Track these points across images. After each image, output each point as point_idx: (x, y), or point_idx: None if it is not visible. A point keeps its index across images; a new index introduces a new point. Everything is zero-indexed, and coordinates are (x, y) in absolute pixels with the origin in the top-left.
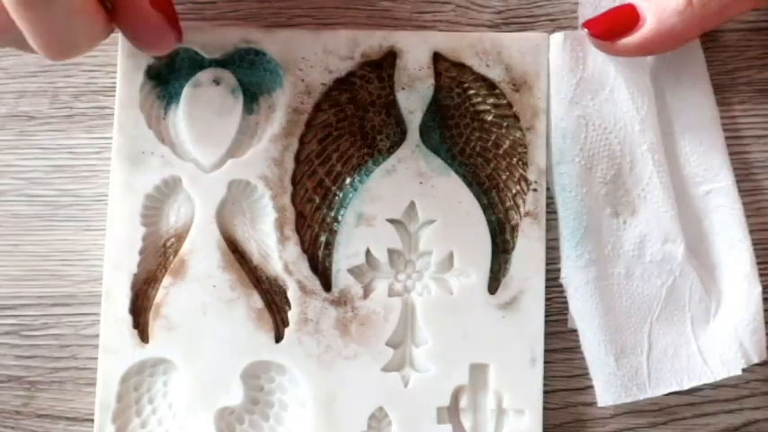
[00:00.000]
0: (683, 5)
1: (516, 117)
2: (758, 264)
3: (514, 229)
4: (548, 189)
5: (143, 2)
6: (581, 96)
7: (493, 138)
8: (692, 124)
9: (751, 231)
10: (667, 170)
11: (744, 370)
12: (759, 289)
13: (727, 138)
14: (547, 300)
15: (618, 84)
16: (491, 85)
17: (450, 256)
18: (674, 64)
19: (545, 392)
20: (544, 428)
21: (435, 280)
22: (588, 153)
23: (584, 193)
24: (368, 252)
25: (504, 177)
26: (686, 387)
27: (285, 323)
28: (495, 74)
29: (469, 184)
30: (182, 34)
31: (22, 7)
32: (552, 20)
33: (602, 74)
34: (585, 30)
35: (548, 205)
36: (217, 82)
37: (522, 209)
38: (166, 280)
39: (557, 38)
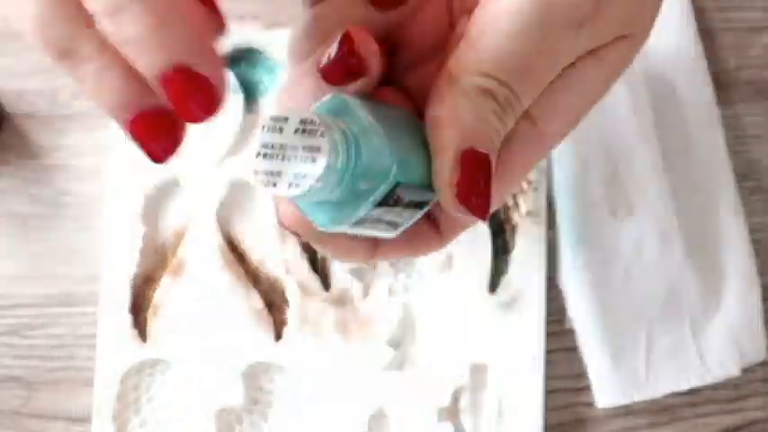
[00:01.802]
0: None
1: None
2: (757, 264)
3: (514, 229)
4: (548, 188)
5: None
6: None
7: None
8: (692, 124)
9: (751, 231)
10: (664, 170)
11: (743, 370)
12: (758, 289)
13: (727, 137)
14: (547, 300)
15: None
16: None
17: (450, 255)
18: (673, 64)
19: (545, 392)
20: (544, 428)
21: (435, 280)
22: (584, 154)
23: (580, 193)
24: None
25: None
26: (684, 388)
27: (285, 323)
28: None
29: None
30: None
31: None
32: None
33: None
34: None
35: (548, 205)
36: None
37: (522, 208)
38: (165, 280)
39: None
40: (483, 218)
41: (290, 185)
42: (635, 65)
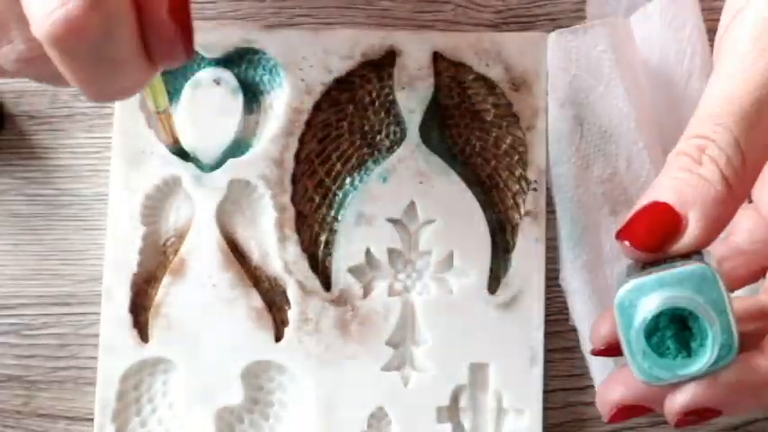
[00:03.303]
0: (723, 188)
1: (516, 116)
2: None
3: (514, 228)
4: (548, 188)
5: (161, 11)
6: (575, 95)
7: (493, 137)
8: None
9: None
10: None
11: None
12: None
13: None
14: (547, 300)
15: (612, 79)
16: (491, 85)
17: (450, 255)
18: (677, 62)
19: (545, 392)
20: (544, 428)
21: (435, 280)
22: (584, 153)
23: (580, 193)
24: (368, 252)
25: (503, 177)
26: None
27: (285, 323)
28: (494, 73)
29: (469, 184)
30: (192, 52)
31: (67, 59)
32: (552, 19)
33: (596, 69)
34: (623, 242)
35: (548, 205)
36: (217, 82)
37: (521, 208)
38: (166, 279)
39: (552, 37)
40: (635, 245)
41: None
42: (628, 57)
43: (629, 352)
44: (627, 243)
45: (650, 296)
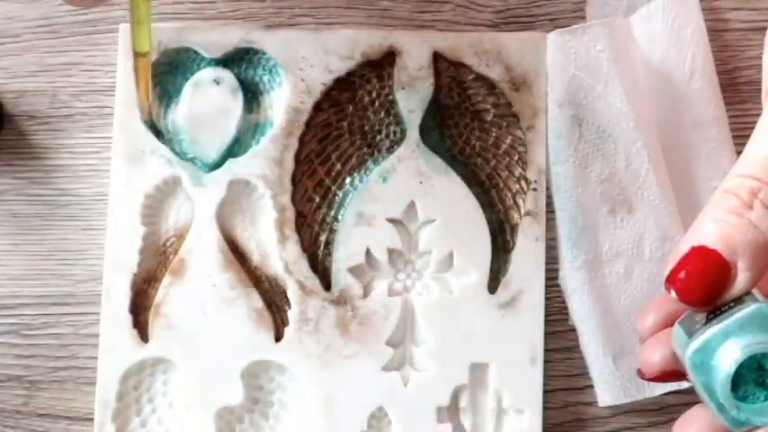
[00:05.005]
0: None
1: (516, 116)
2: None
3: (514, 228)
4: (547, 188)
5: None
6: (574, 94)
7: (493, 137)
8: (701, 120)
9: None
10: (664, 166)
11: None
12: None
13: None
14: (547, 299)
15: (611, 78)
16: (491, 85)
17: (450, 255)
18: (681, 58)
19: (545, 392)
20: (544, 428)
21: (435, 279)
22: (582, 153)
23: (579, 193)
24: (368, 251)
25: (503, 177)
26: (685, 386)
27: (285, 323)
28: (494, 73)
29: (469, 184)
30: None
31: None
32: (552, 19)
33: (595, 69)
34: (673, 293)
35: (547, 204)
36: (217, 82)
37: (521, 208)
38: (166, 279)
39: (550, 37)
40: (684, 300)
41: None
42: (627, 55)
43: (716, 407)
44: (674, 295)
45: (723, 349)
